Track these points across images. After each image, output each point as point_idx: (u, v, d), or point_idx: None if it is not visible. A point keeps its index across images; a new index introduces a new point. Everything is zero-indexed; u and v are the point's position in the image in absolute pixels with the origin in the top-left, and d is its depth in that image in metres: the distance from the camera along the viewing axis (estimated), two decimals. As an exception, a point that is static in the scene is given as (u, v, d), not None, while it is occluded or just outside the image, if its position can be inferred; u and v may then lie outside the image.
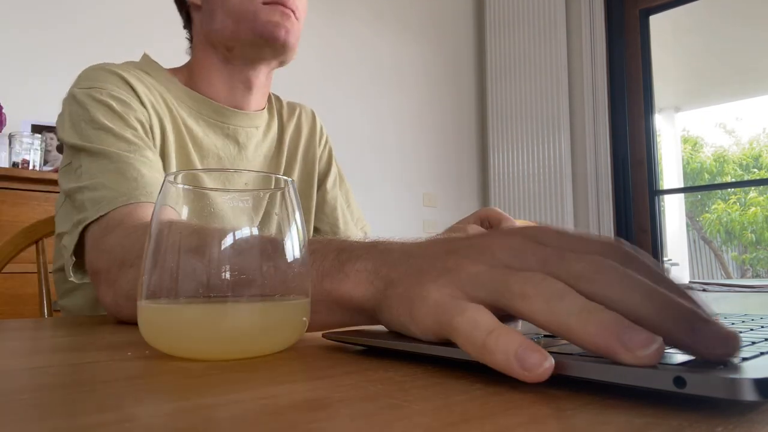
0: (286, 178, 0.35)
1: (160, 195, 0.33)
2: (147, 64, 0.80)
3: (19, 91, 1.90)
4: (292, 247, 0.34)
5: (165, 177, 0.34)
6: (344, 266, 0.37)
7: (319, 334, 0.38)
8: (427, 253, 0.33)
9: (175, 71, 0.83)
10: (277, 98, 0.96)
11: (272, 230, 0.34)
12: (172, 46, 0.97)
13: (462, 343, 0.26)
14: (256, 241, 0.33)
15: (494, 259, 0.29)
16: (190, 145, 0.77)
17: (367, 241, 0.39)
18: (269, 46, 0.77)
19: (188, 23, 0.85)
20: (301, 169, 0.93)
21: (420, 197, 3.17)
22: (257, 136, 0.85)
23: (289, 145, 0.91)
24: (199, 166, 0.77)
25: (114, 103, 0.68)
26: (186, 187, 0.34)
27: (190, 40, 0.85)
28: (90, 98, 0.68)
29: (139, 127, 0.69)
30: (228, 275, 0.32)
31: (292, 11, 0.77)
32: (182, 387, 0.25)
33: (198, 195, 0.34)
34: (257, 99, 0.85)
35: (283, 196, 0.35)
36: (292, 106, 0.96)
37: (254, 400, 0.22)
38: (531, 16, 3.23)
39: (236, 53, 0.79)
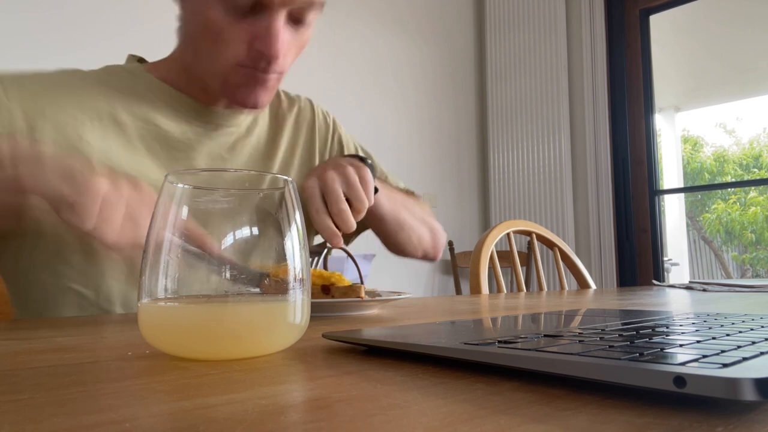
0: (286, 177, 0.35)
1: (161, 195, 0.33)
2: (123, 68, 0.78)
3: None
4: (292, 247, 0.34)
5: (165, 177, 0.34)
6: None
7: (319, 334, 0.38)
8: None
9: (157, 67, 0.80)
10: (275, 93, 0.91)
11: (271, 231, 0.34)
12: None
13: None
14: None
15: None
16: (155, 142, 0.74)
17: None
18: (237, 106, 0.74)
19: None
20: (301, 167, 0.89)
21: (420, 197, 3.17)
22: (236, 134, 0.82)
23: (287, 145, 0.88)
24: (167, 161, 0.75)
25: None
26: (185, 186, 0.34)
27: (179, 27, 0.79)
28: None
29: None
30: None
31: (275, 73, 0.70)
32: (182, 387, 0.25)
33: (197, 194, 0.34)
34: None
35: (282, 196, 0.35)
36: (289, 102, 0.91)
37: (254, 400, 0.22)
38: (531, 16, 3.23)
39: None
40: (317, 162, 0.91)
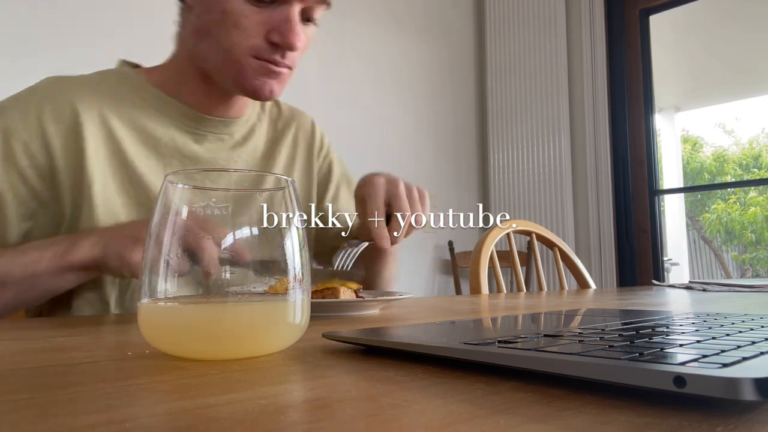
0: (286, 177, 0.35)
1: (161, 194, 0.33)
2: (116, 72, 0.78)
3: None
4: (292, 247, 0.34)
5: (165, 177, 0.34)
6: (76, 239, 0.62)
7: (319, 334, 0.38)
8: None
9: (151, 72, 0.79)
10: (275, 102, 0.91)
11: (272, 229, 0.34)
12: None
13: None
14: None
15: None
16: (144, 147, 0.74)
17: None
18: (250, 97, 0.74)
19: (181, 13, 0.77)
20: (300, 182, 0.89)
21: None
22: (230, 142, 0.81)
23: (286, 158, 0.88)
24: (157, 167, 0.74)
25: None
26: (185, 186, 0.34)
27: (180, 30, 0.78)
28: None
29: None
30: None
31: (287, 67, 0.71)
32: (182, 387, 0.25)
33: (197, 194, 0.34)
34: (236, 107, 0.81)
35: (283, 196, 0.35)
36: (290, 115, 0.91)
37: (254, 400, 0.22)
38: (531, 16, 3.23)
39: (215, 80, 0.74)
40: (315, 179, 0.91)
